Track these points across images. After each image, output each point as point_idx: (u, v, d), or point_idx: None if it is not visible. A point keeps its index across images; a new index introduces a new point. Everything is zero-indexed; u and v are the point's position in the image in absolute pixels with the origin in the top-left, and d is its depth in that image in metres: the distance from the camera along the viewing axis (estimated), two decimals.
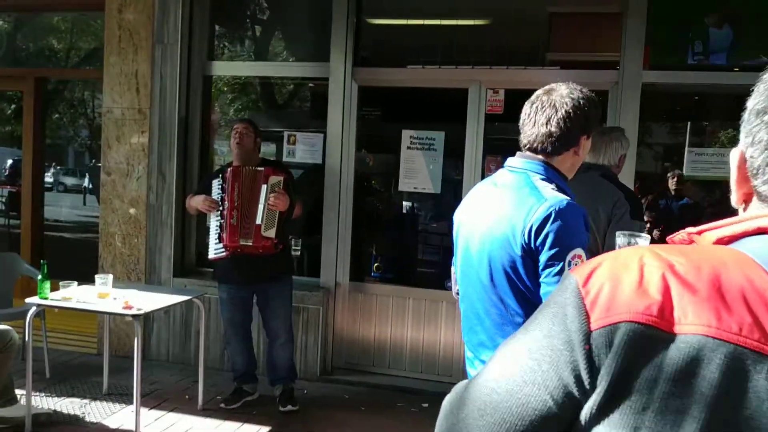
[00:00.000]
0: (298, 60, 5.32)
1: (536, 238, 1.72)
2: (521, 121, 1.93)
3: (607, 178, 3.00)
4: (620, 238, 1.85)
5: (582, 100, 1.85)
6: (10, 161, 12.07)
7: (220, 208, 3.80)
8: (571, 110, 1.82)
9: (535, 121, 1.86)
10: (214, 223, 3.84)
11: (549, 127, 1.83)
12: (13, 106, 11.24)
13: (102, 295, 3.64)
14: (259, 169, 3.83)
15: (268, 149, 5.00)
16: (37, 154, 5.79)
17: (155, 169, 4.91)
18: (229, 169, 3.84)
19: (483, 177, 4.57)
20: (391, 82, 4.75)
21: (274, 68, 5.01)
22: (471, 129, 4.55)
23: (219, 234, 3.78)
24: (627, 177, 3.88)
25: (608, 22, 4.75)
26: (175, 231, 4.92)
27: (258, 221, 3.71)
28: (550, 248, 1.70)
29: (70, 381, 4.40)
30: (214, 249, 3.83)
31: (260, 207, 3.72)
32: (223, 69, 5.21)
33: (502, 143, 4.47)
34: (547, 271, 1.71)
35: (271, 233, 3.73)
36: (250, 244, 3.72)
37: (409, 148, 4.69)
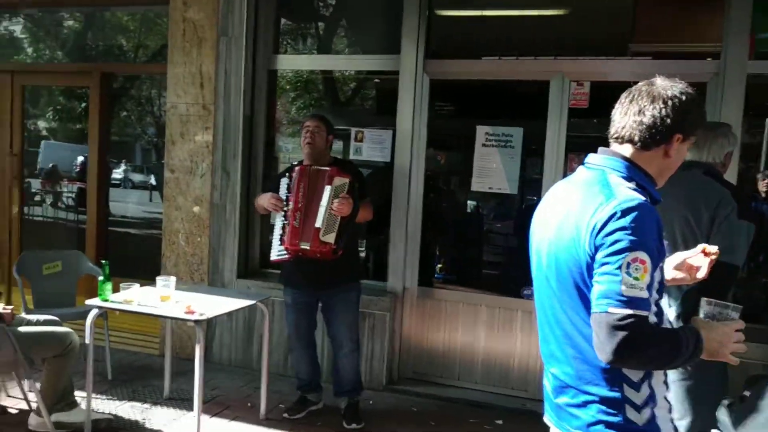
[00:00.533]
0: (365, 53, 5.05)
1: (599, 238, 1.52)
2: (613, 111, 1.73)
3: (711, 176, 2.68)
4: (707, 307, 1.66)
5: (684, 95, 1.65)
6: (80, 158, 12.38)
7: (286, 209, 3.60)
8: (669, 102, 1.63)
9: (628, 110, 1.68)
10: (278, 223, 3.65)
11: (641, 116, 1.65)
12: (83, 104, 11.46)
13: (164, 298, 3.49)
14: (323, 168, 3.61)
15: (334, 147, 4.78)
16: (102, 150, 5.75)
17: (219, 166, 4.76)
18: (296, 168, 3.63)
19: (564, 176, 4.23)
20: (464, 75, 4.46)
21: (341, 62, 4.79)
22: (552, 125, 4.21)
23: (281, 235, 3.58)
24: (730, 177, 3.48)
25: (702, 9, 4.33)
26: (239, 230, 4.77)
27: (318, 224, 3.48)
28: (609, 245, 1.50)
29: (132, 384, 4.30)
30: (277, 250, 3.63)
31: (321, 209, 3.48)
32: (288, 63, 5.02)
33: (586, 140, 4.13)
34: (600, 269, 1.51)
35: (330, 238, 3.49)
36: (308, 247, 3.49)
37: (484, 145, 4.39)
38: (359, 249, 4.46)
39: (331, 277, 3.69)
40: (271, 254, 3.66)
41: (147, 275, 4.07)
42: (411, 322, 4.56)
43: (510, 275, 4.67)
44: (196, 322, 3.27)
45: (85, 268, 4.75)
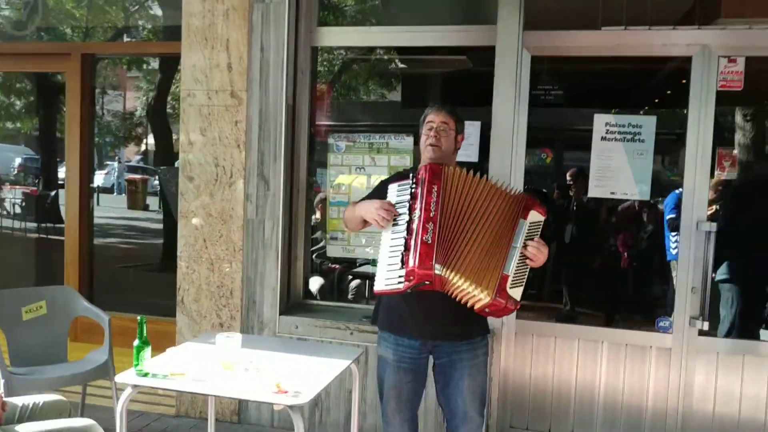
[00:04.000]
0: (439, 23, 3.96)
1: None
2: None
3: None
4: None
5: None
6: (18, 160, 11.08)
7: (405, 219, 2.53)
8: None
9: None
10: (391, 238, 2.57)
11: None
12: (22, 100, 9.98)
13: (227, 366, 2.42)
14: (506, 188, 2.57)
15: (401, 144, 3.77)
16: (84, 150, 4.54)
17: (254, 172, 3.68)
18: (424, 166, 2.58)
19: (712, 176, 3.37)
20: (575, 50, 3.52)
21: (409, 35, 3.74)
22: (694, 112, 3.32)
23: (401, 254, 2.50)
24: None
25: None
26: (282, 254, 3.70)
27: (507, 270, 2.45)
28: None
29: None
30: (387, 277, 2.53)
31: (514, 251, 2.45)
32: (337, 38, 3.94)
33: (739, 131, 3.26)
34: None
35: (518, 293, 2.47)
36: (479, 294, 2.44)
37: (604, 138, 3.46)
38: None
39: (455, 323, 2.68)
40: (378, 282, 2.56)
41: (148, 309, 3.00)
42: (510, 362, 3.61)
43: (641, 303, 3.77)
44: (292, 407, 2.22)
45: (77, 309, 3.59)
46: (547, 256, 2.52)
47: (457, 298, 2.49)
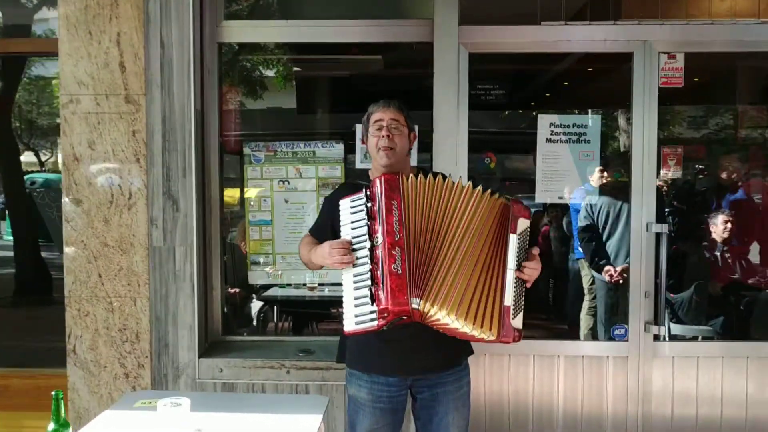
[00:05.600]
0: (368, 17, 3.52)
1: None
2: None
3: None
4: None
5: None
6: None
7: (366, 245, 2.12)
8: None
9: None
10: (351, 269, 2.15)
11: None
12: None
13: None
14: (497, 197, 2.21)
15: (330, 152, 3.36)
16: None
17: (159, 190, 3.09)
18: (377, 178, 2.17)
19: (658, 175, 3.27)
20: (514, 45, 3.29)
21: (335, 31, 3.31)
22: (638, 110, 3.21)
23: (369, 289, 2.08)
24: None
25: None
26: (198, 286, 3.15)
27: (507, 301, 2.08)
28: None
29: None
30: (356, 314, 2.10)
31: (509, 275, 2.09)
32: (247, 33, 3.42)
33: (684, 129, 3.19)
34: None
35: (520, 321, 2.12)
36: (483, 333, 2.06)
37: (549, 140, 3.26)
38: None
39: (438, 351, 2.33)
40: (346, 322, 2.12)
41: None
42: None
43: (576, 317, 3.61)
44: None
45: None
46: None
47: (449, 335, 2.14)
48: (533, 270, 2.13)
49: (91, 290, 3.11)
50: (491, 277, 2.09)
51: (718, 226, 4.33)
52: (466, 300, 2.04)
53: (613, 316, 3.67)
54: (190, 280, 3.11)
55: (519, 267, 2.11)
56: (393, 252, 2.05)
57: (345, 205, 2.22)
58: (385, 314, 2.02)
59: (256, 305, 4.29)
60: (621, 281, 3.68)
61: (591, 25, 3.21)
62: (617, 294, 3.66)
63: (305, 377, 3.10)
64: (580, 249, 4.23)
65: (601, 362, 3.27)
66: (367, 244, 2.10)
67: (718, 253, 4.49)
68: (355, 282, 2.11)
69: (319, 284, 3.73)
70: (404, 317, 2.05)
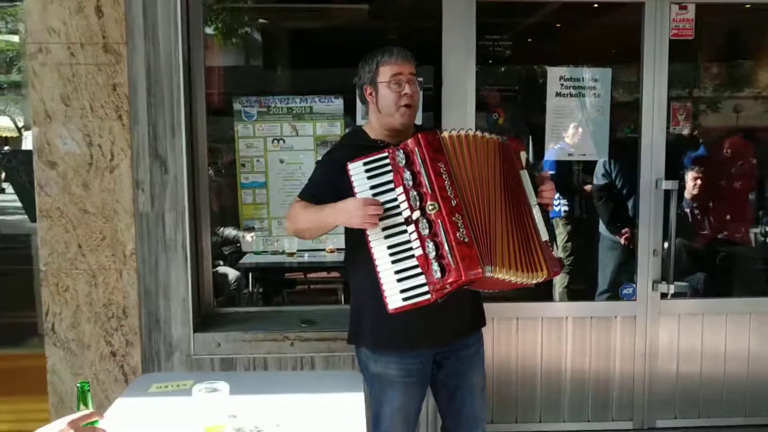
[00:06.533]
0: None
1: None
2: None
3: None
4: None
5: None
6: None
7: (402, 210, 1.92)
8: None
9: None
10: (384, 241, 1.94)
11: None
12: None
13: (211, 430, 1.68)
14: (495, 137, 2.05)
15: (329, 107, 3.12)
16: None
17: (145, 151, 2.79)
18: (414, 138, 1.96)
19: (668, 132, 3.20)
20: None
21: None
22: (649, 63, 3.10)
23: (436, 260, 1.86)
24: None
25: None
26: (191, 255, 2.89)
27: (544, 236, 1.97)
28: None
29: None
30: (403, 288, 1.88)
31: (535, 209, 1.98)
32: None
33: (694, 82, 3.12)
34: None
35: (557, 252, 2.04)
36: (537, 278, 1.95)
37: (558, 94, 3.13)
38: None
39: (467, 315, 2.20)
40: (390, 298, 1.92)
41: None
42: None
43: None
44: None
45: None
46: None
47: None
48: (550, 191, 2.06)
49: (70, 262, 2.80)
50: (524, 219, 1.99)
51: (688, 183, 4.32)
52: (517, 252, 1.92)
53: (620, 275, 3.62)
54: (183, 250, 2.85)
55: (537, 196, 2.03)
56: (454, 219, 1.86)
57: (357, 168, 1.98)
58: (448, 286, 1.85)
59: (232, 274, 4.06)
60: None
61: None
62: (625, 254, 3.61)
63: (311, 349, 2.91)
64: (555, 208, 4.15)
65: (609, 323, 3.23)
66: (405, 208, 1.91)
67: (688, 210, 4.51)
68: (393, 254, 1.92)
69: (298, 250, 3.52)
70: (466, 286, 1.89)
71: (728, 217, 4.58)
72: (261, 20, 3.81)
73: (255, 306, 3.40)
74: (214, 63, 3.24)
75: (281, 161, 3.11)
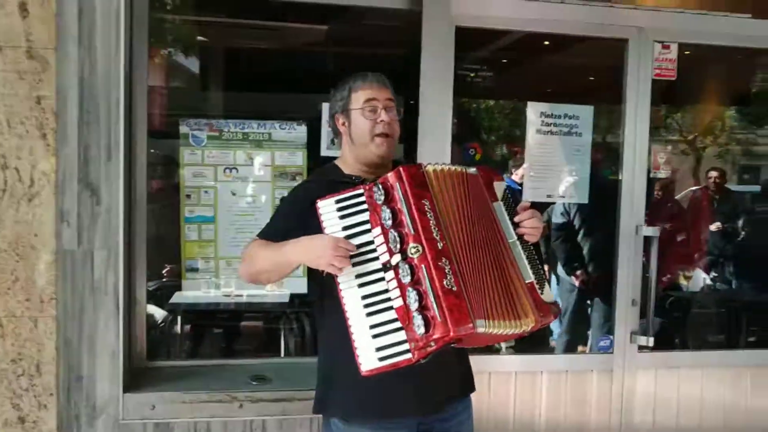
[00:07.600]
0: None
1: None
2: None
3: None
4: None
5: None
6: None
7: (378, 255, 1.63)
8: None
9: None
10: (357, 290, 1.62)
11: None
12: None
13: None
14: (468, 170, 1.79)
15: (290, 135, 2.78)
16: None
17: (73, 177, 2.35)
18: (396, 171, 1.68)
19: (649, 174, 3.05)
20: (503, 23, 2.90)
21: None
22: (631, 103, 2.96)
23: (418, 312, 1.55)
24: None
25: None
26: (124, 302, 2.44)
27: (528, 277, 1.70)
28: None
29: None
30: (379, 346, 1.54)
31: (516, 247, 1.72)
32: None
33: (677, 125, 2.99)
34: None
35: (548, 293, 1.76)
36: (524, 326, 1.67)
37: (539, 131, 2.92)
38: None
39: (455, 381, 1.92)
40: (364, 359, 1.57)
41: None
42: None
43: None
44: None
45: None
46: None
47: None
48: (532, 221, 1.78)
49: None
50: (502, 259, 1.72)
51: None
52: (502, 300, 1.67)
53: (580, 324, 3.43)
54: (114, 294, 2.41)
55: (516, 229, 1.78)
56: (440, 264, 1.59)
57: (328, 206, 1.71)
58: (432, 344, 1.55)
59: (158, 314, 3.57)
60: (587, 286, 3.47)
61: (589, 6, 2.90)
62: (584, 299, 3.43)
63: (263, 411, 2.52)
64: None
65: (584, 377, 3.01)
66: (383, 252, 1.62)
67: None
68: (367, 305, 1.63)
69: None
70: (453, 344, 1.60)
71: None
72: (213, 36, 3.43)
73: (196, 359, 2.96)
74: (160, 79, 2.82)
75: (233, 193, 2.72)
